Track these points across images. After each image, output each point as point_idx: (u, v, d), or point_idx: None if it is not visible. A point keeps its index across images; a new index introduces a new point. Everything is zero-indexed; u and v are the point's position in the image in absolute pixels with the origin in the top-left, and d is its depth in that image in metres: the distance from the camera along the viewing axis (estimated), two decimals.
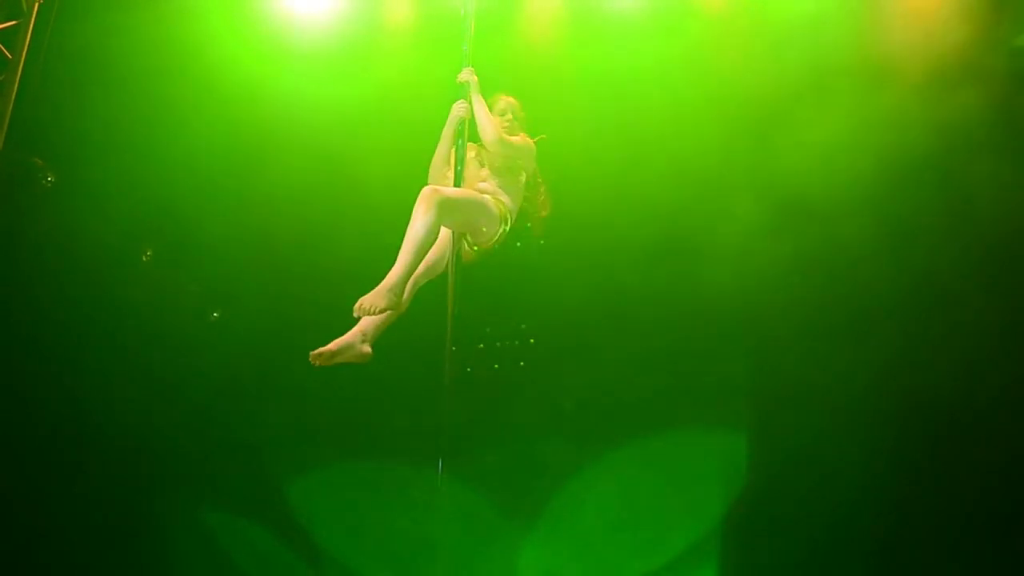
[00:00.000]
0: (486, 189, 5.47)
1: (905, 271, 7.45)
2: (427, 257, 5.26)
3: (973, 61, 7.50)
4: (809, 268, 7.56)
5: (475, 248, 5.42)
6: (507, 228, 5.45)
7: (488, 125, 5.41)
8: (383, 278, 5.07)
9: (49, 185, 7.52)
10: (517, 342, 7.78)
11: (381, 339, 6.87)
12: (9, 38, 7.19)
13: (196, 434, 7.55)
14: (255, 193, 7.81)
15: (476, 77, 5.48)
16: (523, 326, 7.77)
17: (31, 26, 7.28)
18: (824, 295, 7.55)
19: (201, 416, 7.58)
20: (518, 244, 7.11)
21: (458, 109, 5.44)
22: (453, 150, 5.47)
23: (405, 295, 5.14)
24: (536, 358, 7.80)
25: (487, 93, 5.56)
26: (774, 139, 7.60)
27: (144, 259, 7.78)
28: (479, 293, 5.92)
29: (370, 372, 7.47)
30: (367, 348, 5.30)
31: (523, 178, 5.60)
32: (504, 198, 5.47)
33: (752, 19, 7.83)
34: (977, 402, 7.23)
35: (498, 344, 7.70)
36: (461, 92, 5.51)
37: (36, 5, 7.31)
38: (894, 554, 7.25)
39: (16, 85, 7.15)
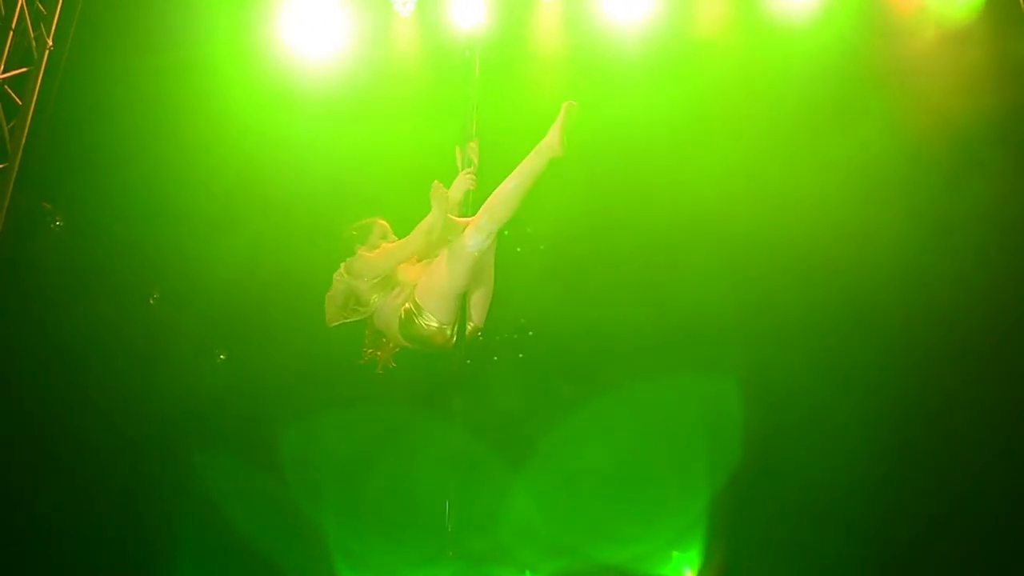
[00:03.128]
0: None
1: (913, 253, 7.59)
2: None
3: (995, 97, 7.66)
4: (810, 265, 7.68)
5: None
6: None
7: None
8: None
9: (58, 229, 7.56)
10: (516, 335, 7.91)
11: None
12: (19, 85, 7.28)
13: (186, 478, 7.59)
14: (263, 238, 7.86)
15: (477, 159, 5.50)
16: (522, 320, 7.89)
17: (41, 73, 7.38)
18: (827, 277, 7.69)
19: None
20: (518, 249, 7.27)
21: (465, 182, 5.44)
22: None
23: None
24: (534, 350, 7.93)
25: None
26: (780, 179, 7.74)
27: (151, 302, 7.80)
28: None
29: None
30: None
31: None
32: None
33: (759, 60, 7.98)
34: (979, 388, 7.35)
35: (498, 337, 7.78)
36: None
37: (46, 52, 7.41)
38: (894, 520, 7.31)
39: (26, 131, 7.24)
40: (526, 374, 7.88)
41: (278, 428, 7.65)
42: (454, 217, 5.32)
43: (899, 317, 7.53)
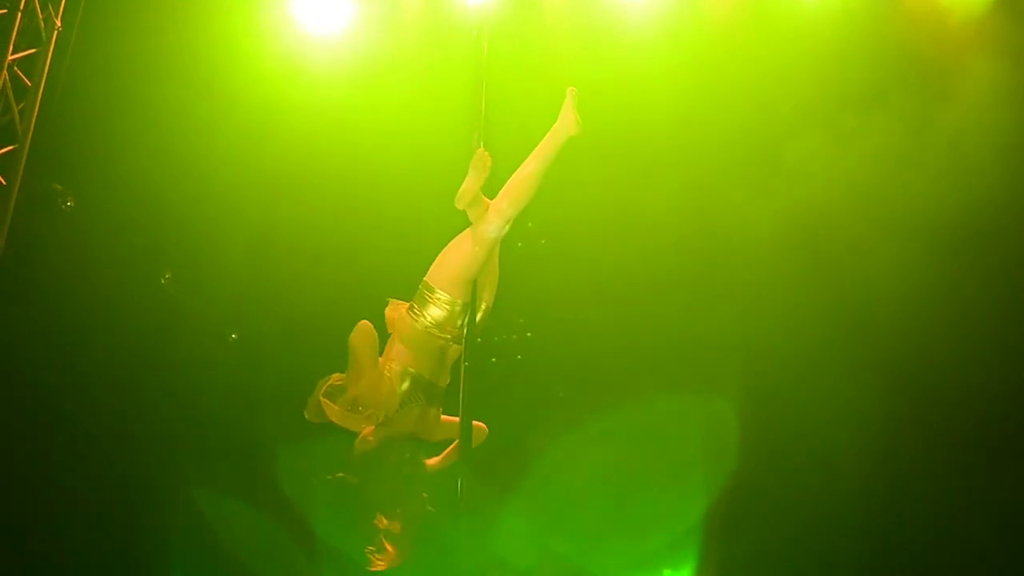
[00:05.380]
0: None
1: (907, 266, 7.50)
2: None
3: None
4: (811, 263, 7.62)
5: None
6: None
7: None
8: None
9: (69, 209, 7.58)
10: (514, 336, 7.87)
11: None
12: (28, 66, 7.28)
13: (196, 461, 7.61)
14: (274, 216, 7.89)
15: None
16: (520, 320, 7.86)
17: (50, 54, 7.38)
18: (820, 287, 7.62)
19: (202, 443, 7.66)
20: (519, 244, 7.22)
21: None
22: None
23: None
24: (533, 351, 7.91)
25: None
26: (784, 146, 7.69)
27: (163, 281, 7.83)
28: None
29: None
30: None
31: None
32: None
33: (765, 28, 7.87)
34: (975, 390, 7.31)
35: (496, 339, 7.76)
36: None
37: (55, 33, 7.41)
38: (886, 539, 7.30)
39: (36, 112, 7.25)
40: (524, 376, 7.82)
41: (280, 412, 7.62)
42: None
43: (899, 337, 7.45)
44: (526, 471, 7.61)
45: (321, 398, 5.11)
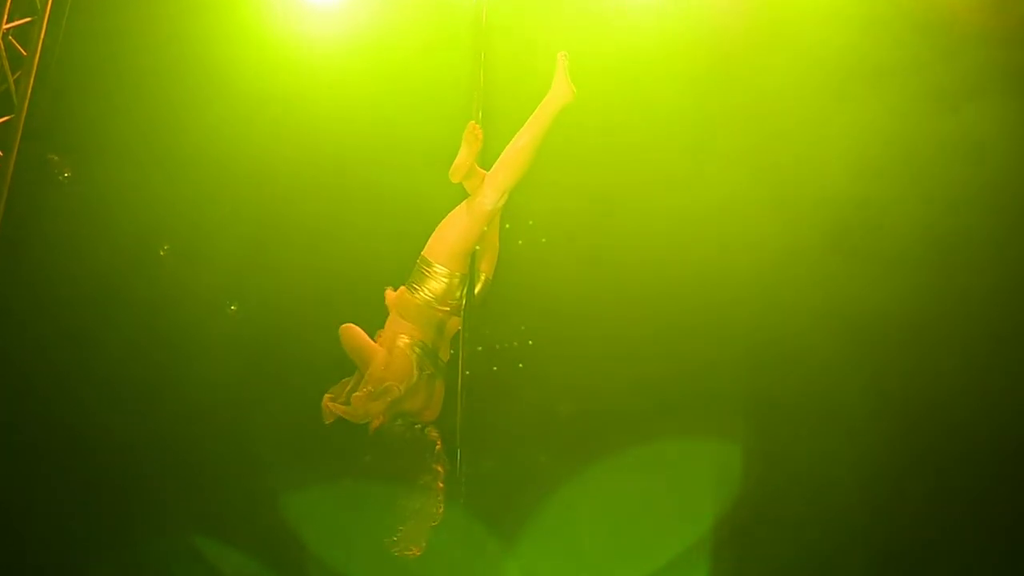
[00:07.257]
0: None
1: (909, 277, 7.42)
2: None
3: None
4: (812, 271, 7.54)
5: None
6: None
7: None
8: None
9: (65, 181, 7.56)
10: (516, 343, 7.79)
11: None
12: (23, 35, 7.22)
13: (194, 439, 7.57)
14: (275, 186, 7.85)
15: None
16: (522, 327, 7.78)
17: (45, 23, 7.31)
18: (825, 301, 7.52)
19: (202, 419, 7.61)
20: (520, 242, 7.15)
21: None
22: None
23: None
24: (535, 360, 7.81)
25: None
26: (790, 135, 7.60)
27: (161, 253, 7.82)
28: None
29: None
30: None
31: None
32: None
33: (773, 10, 7.72)
34: (977, 410, 7.20)
35: (497, 346, 7.68)
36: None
37: (49, 2, 7.34)
38: (890, 566, 7.22)
39: (31, 82, 7.20)
40: (526, 386, 7.66)
41: (280, 387, 7.59)
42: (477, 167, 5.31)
43: (901, 330, 7.32)
44: (526, 486, 7.48)
45: (332, 404, 5.15)
